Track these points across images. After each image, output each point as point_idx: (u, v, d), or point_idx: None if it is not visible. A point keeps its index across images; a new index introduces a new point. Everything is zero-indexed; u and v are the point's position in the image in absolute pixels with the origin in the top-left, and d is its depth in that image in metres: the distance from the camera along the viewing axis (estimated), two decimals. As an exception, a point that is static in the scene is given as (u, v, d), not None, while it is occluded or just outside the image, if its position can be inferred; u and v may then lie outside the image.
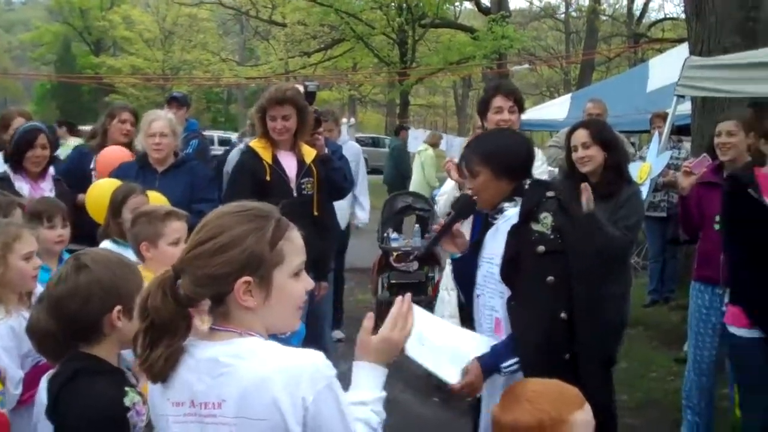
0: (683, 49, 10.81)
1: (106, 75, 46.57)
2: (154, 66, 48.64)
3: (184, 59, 49.89)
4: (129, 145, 6.71)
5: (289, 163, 5.69)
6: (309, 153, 5.80)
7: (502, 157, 3.58)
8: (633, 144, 12.46)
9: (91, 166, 6.56)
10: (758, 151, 4.76)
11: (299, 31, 35.96)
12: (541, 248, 3.36)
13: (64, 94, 51.78)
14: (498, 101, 5.06)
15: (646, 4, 43.52)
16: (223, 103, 58.09)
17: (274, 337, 2.29)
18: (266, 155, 5.63)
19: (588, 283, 3.38)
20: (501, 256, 3.47)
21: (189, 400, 2.18)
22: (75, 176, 6.46)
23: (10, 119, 7.10)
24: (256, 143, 5.73)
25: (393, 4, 30.13)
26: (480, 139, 3.90)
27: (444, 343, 3.46)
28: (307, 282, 2.31)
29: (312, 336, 5.10)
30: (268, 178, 5.57)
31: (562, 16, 48.55)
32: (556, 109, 15.17)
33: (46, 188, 6.01)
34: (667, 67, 11.97)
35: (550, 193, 3.50)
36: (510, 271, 3.42)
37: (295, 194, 5.62)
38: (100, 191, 5.41)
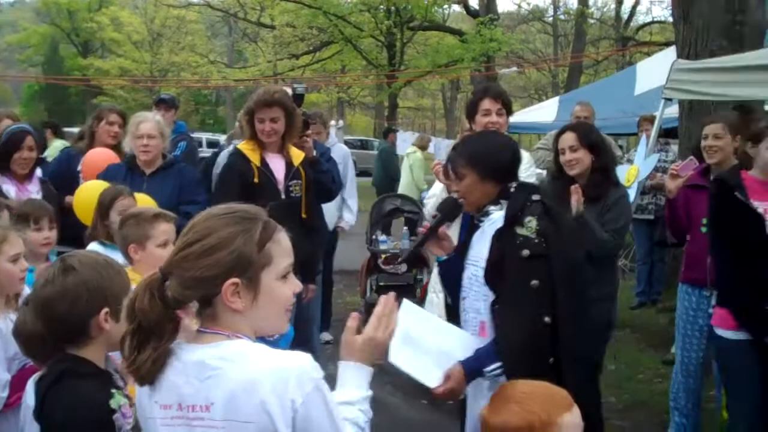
0: (671, 53, 10.86)
1: (94, 77, 46.46)
2: (143, 68, 48.54)
3: (172, 61, 49.78)
4: (117, 147, 6.69)
5: (278, 166, 5.69)
6: (297, 155, 5.80)
7: (488, 159, 3.57)
8: (621, 147, 12.51)
9: (79, 168, 6.54)
10: (745, 153, 4.79)
11: (288, 34, 35.95)
12: (526, 252, 3.36)
13: (52, 95, 51.62)
14: (486, 104, 5.08)
15: (633, 8, 43.67)
16: (212, 105, 57.97)
17: (262, 339, 2.29)
18: (254, 157, 5.63)
19: (572, 287, 3.38)
20: (486, 260, 3.48)
21: (176, 403, 2.17)
22: (62, 178, 6.44)
23: (-3, 121, 7.07)
24: (244, 145, 5.73)
25: (381, 6, 30.15)
26: (466, 141, 3.90)
27: (431, 343, 3.47)
28: (294, 284, 2.31)
29: (300, 338, 5.10)
30: (256, 180, 5.57)
31: (551, 19, 48.62)
32: (544, 112, 15.18)
33: (33, 190, 5.99)
34: (654, 71, 12.00)
35: (535, 197, 3.49)
36: (494, 274, 3.43)
37: (283, 196, 5.62)
38: (87, 193, 5.39)
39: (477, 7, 32.80)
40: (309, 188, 5.80)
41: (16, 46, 60.19)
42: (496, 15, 31.48)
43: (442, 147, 17.91)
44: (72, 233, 5.10)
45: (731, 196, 4.58)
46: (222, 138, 15.69)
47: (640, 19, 44.97)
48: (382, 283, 8.75)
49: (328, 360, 6.96)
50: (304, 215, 5.73)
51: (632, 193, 6.67)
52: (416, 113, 62.94)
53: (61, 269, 2.69)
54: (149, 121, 6.12)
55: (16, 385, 3.24)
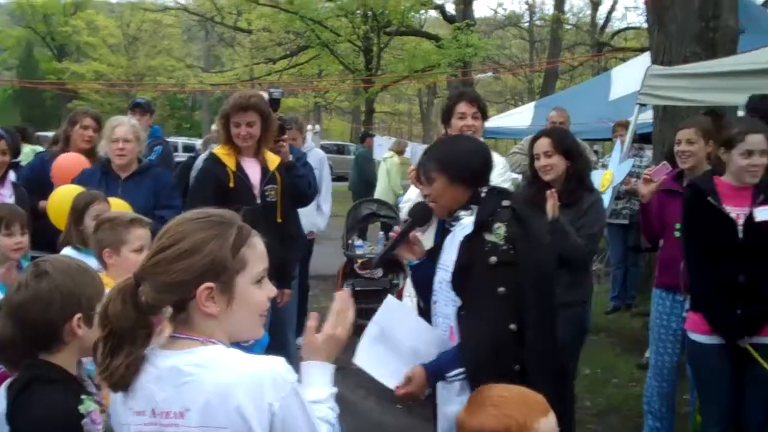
0: (645, 58, 10.94)
1: (70, 81, 46.17)
2: (118, 72, 48.28)
3: (148, 65, 49.62)
4: (91, 151, 6.65)
5: (253, 170, 5.67)
6: (273, 160, 5.79)
7: (458, 163, 3.54)
8: (596, 152, 12.58)
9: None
10: (718, 159, 4.82)
11: (264, 38, 35.93)
12: (494, 259, 3.33)
13: (27, 99, 51.17)
14: (461, 107, 5.10)
15: (609, 14, 44.02)
16: (188, 110, 57.76)
17: (236, 345, 2.29)
18: (230, 162, 5.61)
19: (539, 295, 3.36)
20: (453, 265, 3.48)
21: (150, 409, 2.17)
22: (36, 182, 6.40)
23: (-30, 125, 7.01)
24: (219, 150, 5.71)
25: (358, 11, 30.19)
26: (437, 145, 3.89)
27: (405, 342, 3.47)
28: (269, 289, 2.31)
29: (276, 343, 5.09)
30: (231, 184, 5.55)
31: (527, 24, 48.84)
32: (520, 117, 15.24)
33: (6, 194, 5.95)
34: (629, 76, 12.09)
35: (505, 202, 3.46)
36: (461, 280, 3.41)
37: (258, 201, 5.60)
38: (62, 198, 5.36)
39: (453, 13, 32.99)
40: (285, 193, 5.78)
41: (-10, 50, 59.77)
42: (473, 20, 31.63)
43: (418, 152, 17.89)
44: (46, 238, 5.07)
45: (704, 201, 4.62)
46: (198, 142, 15.65)
47: (616, 25, 45.28)
48: (358, 288, 8.73)
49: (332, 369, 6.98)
50: (279, 220, 5.71)
51: (607, 198, 6.72)
52: (393, 118, 63.06)
53: (34, 274, 2.68)
54: (125, 125, 6.09)
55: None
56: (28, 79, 46.96)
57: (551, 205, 4.87)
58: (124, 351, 2.15)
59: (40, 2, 47.16)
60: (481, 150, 3.72)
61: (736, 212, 4.55)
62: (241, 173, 5.61)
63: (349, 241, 9.19)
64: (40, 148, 10.04)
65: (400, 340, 3.47)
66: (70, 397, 2.56)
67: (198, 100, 54.25)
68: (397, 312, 3.59)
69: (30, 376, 2.58)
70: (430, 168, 3.59)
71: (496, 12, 48.63)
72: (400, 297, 7.38)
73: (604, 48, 38.74)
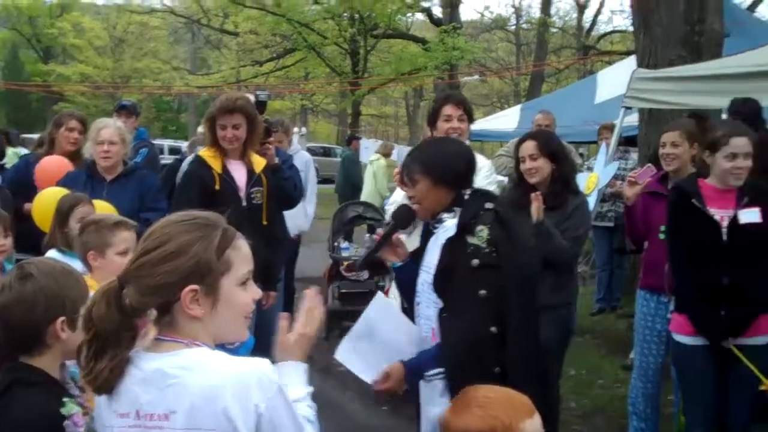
0: (631, 62, 10.99)
1: (55, 83, 45.98)
2: (104, 74, 48.11)
3: (134, 67, 49.45)
4: (77, 153, 6.63)
5: (239, 173, 5.66)
6: (259, 162, 5.78)
7: (441, 165, 3.54)
8: (581, 155, 12.60)
9: (38, 175, 6.48)
10: (702, 161, 4.85)
11: (251, 40, 35.94)
12: (476, 262, 3.32)
13: (13, 101, 50.95)
14: (447, 110, 5.12)
15: (595, 17, 44.24)
16: (174, 112, 57.61)
17: (221, 347, 2.29)
18: (216, 164, 5.60)
19: (521, 298, 3.35)
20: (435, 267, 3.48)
21: (134, 412, 2.16)
22: (21, 185, 6.38)
23: (-45, 127, 6.99)
24: (205, 152, 5.70)
25: (345, 14, 30.19)
26: (421, 147, 3.88)
27: (389, 339, 3.48)
28: (254, 291, 2.31)
29: (261, 346, 5.07)
30: (217, 187, 5.54)
31: (513, 28, 48.93)
32: (506, 119, 15.30)
33: (-11, 197, 5.93)
34: (614, 79, 12.14)
35: (488, 205, 3.46)
36: (442, 282, 3.41)
37: (244, 203, 5.60)
38: (46, 200, 5.34)
39: (440, 16, 33.08)
40: (270, 195, 5.78)
41: (-25, 52, 59.48)
42: (459, 24, 31.73)
43: (405, 154, 17.95)
44: (31, 241, 5.06)
45: (689, 203, 4.64)
46: (184, 145, 15.62)
47: (602, 28, 45.52)
48: (344, 290, 8.74)
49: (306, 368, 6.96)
50: (265, 222, 5.71)
51: (592, 201, 6.74)
52: (379, 121, 63.02)
53: (18, 276, 2.67)
54: (110, 127, 6.07)
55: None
56: (13, 81, 46.71)
57: (536, 207, 4.88)
58: (109, 354, 2.15)
59: (25, 4, 46.85)
60: (465, 152, 3.72)
61: (721, 214, 4.58)
62: (226, 176, 5.60)
63: (335, 244, 9.19)
64: (24, 151, 10.01)
65: (383, 336, 3.48)
66: (52, 400, 2.55)
67: (184, 103, 54.15)
68: (384, 309, 3.60)
69: (11, 380, 2.56)
70: (413, 170, 3.59)
71: (482, 15, 48.85)
72: (386, 299, 7.39)
73: (590, 51, 38.89)
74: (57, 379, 2.67)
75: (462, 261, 3.35)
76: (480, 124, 14.62)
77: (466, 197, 3.53)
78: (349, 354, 3.50)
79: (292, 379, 2.49)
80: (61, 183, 5.82)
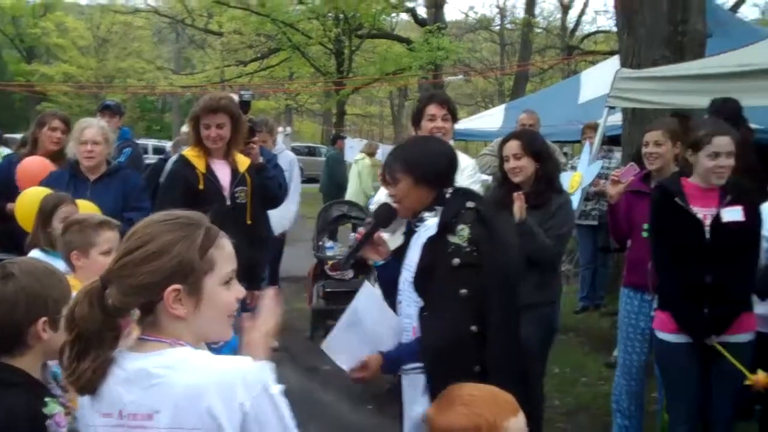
0: (614, 62, 11.02)
1: (39, 83, 45.75)
2: (88, 74, 47.89)
3: (118, 67, 49.26)
4: (60, 153, 6.61)
5: (223, 172, 5.65)
6: (243, 162, 5.78)
7: (423, 164, 3.54)
8: (565, 154, 12.63)
9: (21, 175, 6.46)
10: (685, 160, 4.87)
11: (235, 40, 35.81)
12: (456, 261, 3.33)
13: (-5, 101, 50.76)
14: (432, 109, 5.14)
15: (579, 18, 44.35)
16: (158, 112, 57.43)
17: (206, 346, 2.29)
18: (199, 164, 5.59)
19: (502, 297, 3.36)
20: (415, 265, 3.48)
21: (117, 411, 2.15)
22: (4, 185, 6.36)
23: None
24: (189, 152, 5.69)
25: (330, 14, 30.18)
26: (403, 146, 3.88)
27: (370, 328, 3.48)
28: (238, 290, 2.30)
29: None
30: (201, 186, 5.53)
31: (497, 28, 49.01)
32: (491, 119, 15.31)
33: (-28, 197, 5.90)
34: (598, 79, 12.19)
35: (469, 204, 3.46)
36: (423, 281, 3.41)
37: (228, 203, 5.59)
38: (29, 200, 5.32)
39: (425, 16, 33.12)
40: (254, 195, 5.77)
41: (-42, 51, 59.09)
42: (444, 24, 31.77)
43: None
44: (14, 241, 5.04)
45: (672, 202, 4.67)
46: (168, 144, 15.59)
47: (586, 28, 45.63)
48: (328, 290, 8.73)
49: (275, 366, 6.96)
50: (249, 222, 5.70)
51: (576, 200, 6.76)
52: (364, 120, 63.07)
53: (0, 276, 2.66)
54: (94, 127, 6.06)
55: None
56: (-4, 81, 46.53)
57: (518, 207, 4.91)
58: (91, 354, 2.14)
59: (8, 4, 46.59)
60: (447, 151, 3.73)
61: (703, 213, 4.60)
62: (210, 175, 5.59)
63: (320, 243, 9.18)
64: (7, 151, 9.96)
65: (368, 327, 3.48)
66: (33, 400, 2.53)
67: (168, 102, 53.96)
68: (370, 298, 3.59)
69: (-9, 380, 2.55)
70: (395, 169, 3.59)
71: (467, 15, 49.05)
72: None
73: (574, 51, 38.98)
74: (38, 380, 2.66)
75: (443, 260, 3.36)
76: (464, 124, 14.66)
77: (448, 196, 3.53)
78: (335, 344, 3.50)
79: None
80: (45, 183, 5.80)
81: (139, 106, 53.10)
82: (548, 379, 6.00)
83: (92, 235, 3.94)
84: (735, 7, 30.08)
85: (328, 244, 9.19)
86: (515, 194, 4.93)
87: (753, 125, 7.10)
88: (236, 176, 5.68)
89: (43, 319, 2.59)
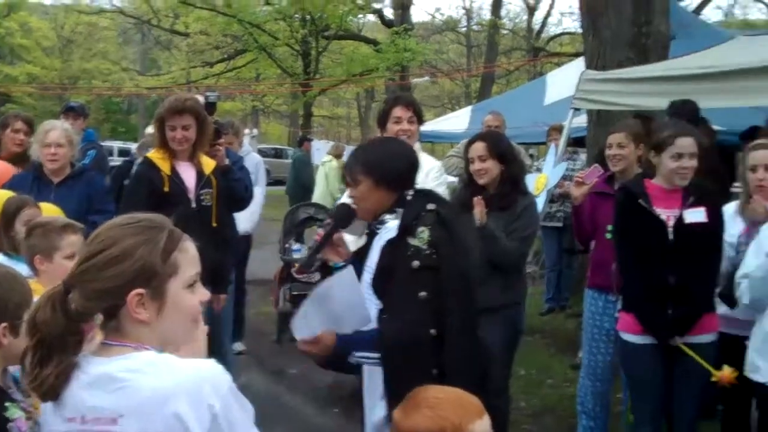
0: (580, 64, 11.08)
1: (2, 84, 45.25)
2: (52, 75, 47.48)
3: (83, 68, 48.92)
4: (23, 155, 6.55)
5: (188, 174, 5.62)
6: (208, 164, 5.75)
7: (383, 166, 3.52)
8: (531, 156, 12.73)
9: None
10: (648, 162, 4.91)
11: (201, 41, 35.71)
12: (416, 263, 3.31)
13: (-42, 103, 50.17)
14: (397, 111, 5.14)
15: (545, 19, 44.61)
16: (123, 114, 57.05)
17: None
18: (164, 166, 5.56)
19: (462, 300, 3.35)
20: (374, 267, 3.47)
21: (80, 416, 2.13)
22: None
23: None
24: (154, 154, 5.66)
25: (297, 15, 30.13)
26: (364, 147, 3.89)
27: (336, 310, 3.41)
28: (202, 293, 2.29)
29: (212, 348, 5.05)
30: (166, 188, 5.50)
31: (464, 29, 49.16)
32: (457, 120, 15.37)
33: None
34: (564, 81, 12.26)
35: (430, 206, 3.44)
36: (381, 283, 3.40)
37: (193, 205, 5.57)
38: (-9, 203, 5.26)
39: (392, 18, 33.21)
40: (220, 197, 5.75)
41: None
42: (411, 25, 31.87)
43: (354, 155, 17.92)
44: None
45: (635, 203, 4.70)
46: (133, 146, 15.50)
47: (551, 30, 45.90)
48: (295, 292, 8.68)
49: (241, 370, 6.94)
50: (214, 224, 5.68)
51: (541, 202, 6.81)
52: (331, 122, 62.95)
53: (-40, 281, 2.63)
54: (57, 130, 6.02)
55: None
56: (-42, 82, 45.98)
57: (478, 211, 4.92)
58: (54, 360, 2.11)
59: (-29, 4, 46.24)
60: (407, 153, 3.71)
61: (667, 214, 4.64)
62: (176, 177, 5.56)
63: (286, 246, 9.15)
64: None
65: (335, 306, 3.42)
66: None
67: (134, 104, 53.66)
68: (349, 282, 3.53)
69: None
70: (355, 170, 3.57)
71: (433, 17, 48.88)
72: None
73: (539, 53, 39.23)
74: (-1, 385, 2.63)
75: (402, 262, 3.34)
76: (431, 125, 14.71)
77: (409, 198, 3.52)
78: (300, 319, 3.47)
79: None
80: (7, 185, 5.73)
81: (105, 108, 52.69)
82: (514, 380, 6.02)
83: (56, 238, 3.90)
84: (698, 10, 30.42)
85: (295, 246, 9.16)
86: (475, 199, 4.96)
87: (716, 127, 7.19)
88: (201, 178, 5.66)
89: (3, 324, 2.57)
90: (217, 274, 5.51)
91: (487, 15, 43.38)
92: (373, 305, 3.47)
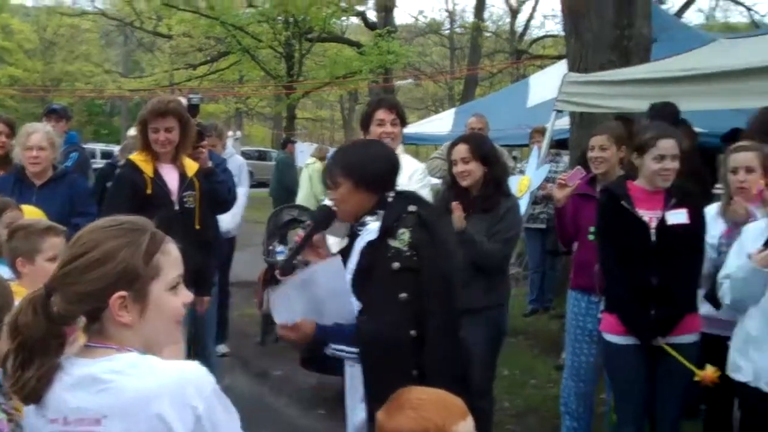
0: (562, 66, 11.12)
1: (-17, 86, 45.08)
2: (34, 77, 47.22)
3: (65, 70, 48.66)
4: (5, 158, 6.53)
5: (171, 177, 5.61)
6: (191, 166, 5.74)
7: (362, 168, 3.53)
8: (514, 158, 12.76)
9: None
10: (630, 163, 4.94)
11: (185, 43, 35.58)
12: (396, 265, 3.32)
13: (-61, 105, 49.85)
14: (380, 114, 5.15)
15: (527, 22, 44.64)
16: (106, 116, 56.79)
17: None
18: (147, 168, 5.54)
19: (442, 302, 3.36)
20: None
21: (62, 417, 2.13)
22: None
23: None
24: (136, 156, 5.64)
25: (280, 17, 30.07)
26: (343, 150, 3.88)
27: (320, 299, 3.42)
28: (185, 295, 2.28)
29: (195, 350, 5.06)
30: (149, 191, 5.48)
31: (447, 32, 49.18)
32: (441, 123, 15.38)
33: None
34: (546, 83, 12.28)
35: (411, 208, 3.45)
36: (361, 284, 3.40)
37: (177, 207, 5.55)
38: (-27, 206, 5.24)
39: (375, 20, 33.14)
40: (203, 199, 5.74)
41: None
42: (394, 28, 31.82)
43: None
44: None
45: (618, 205, 4.73)
46: (116, 149, 15.45)
47: (534, 33, 45.91)
48: (279, 295, 8.67)
49: (225, 372, 6.93)
50: (197, 226, 5.66)
51: (524, 204, 6.82)
52: (315, 124, 62.85)
53: (-59, 284, 2.62)
54: (39, 132, 6.01)
55: None
56: (-61, 84, 45.70)
57: (457, 217, 4.93)
58: (36, 363, 2.11)
59: (-48, 6, 46.00)
60: (387, 155, 3.71)
61: (649, 216, 4.67)
62: (158, 179, 5.54)
63: (270, 248, 9.12)
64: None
65: (318, 294, 3.41)
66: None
67: (117, 106, 53.38)
68: (335, 271, 3.52)
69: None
70: (335, 173, 3.57)
71: (417, 19, 48.87)
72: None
73: (522, 56, 39.29)
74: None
75: (382, 264, 3.35)
76: (414, 128, 14.72)
77: (390, 200, 3.52)
78: (280, 298, 3.46)
79: None
80: (-12, 188, 5.72)
81: (87, 110, 52.43)
82: (498, 381, 6.04)
83: (38, 241, 3.89)
84: (680, 13, 30.55)
85: (279, 248, 9.12)
86: (453, 204, 4.97)
87: (697, 129, 7.22)
88: (184, 180, 5.64)
89: (-16, 326, 2.56)
90: (201, 276, 5.50)
91: (470, 17, 43.42)
92: (354, 305, 3.47)
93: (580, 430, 5.78)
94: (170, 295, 2.22)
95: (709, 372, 4.49)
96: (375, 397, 3.14)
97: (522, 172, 8.39)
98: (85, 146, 11.87)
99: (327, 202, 5.42)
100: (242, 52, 30.34)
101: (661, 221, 4.63)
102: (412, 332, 3.31)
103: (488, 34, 44.25)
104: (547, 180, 8.10)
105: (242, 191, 8.46)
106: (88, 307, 2.14)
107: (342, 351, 3.41)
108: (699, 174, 6.15)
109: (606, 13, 9.02)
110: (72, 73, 48.40)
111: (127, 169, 5.67)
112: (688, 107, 6.45)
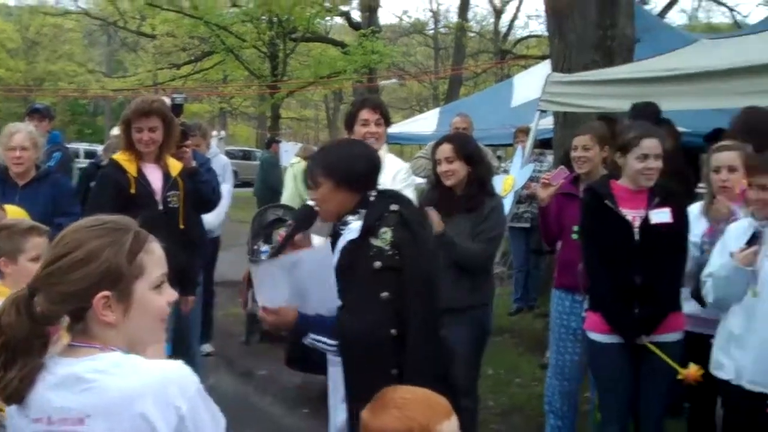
0: (546, 66, 11.15)
1: (-34, 86, 44.83)
2: (17, 77, 46.99)
3: (48, 70, 48.44)
4: (-13, 158, 6.50)
5: (155, 176, 5.59)
6: (175, 166, 5.72)
7: (343, 168, 3.52)
8: (499, 157, 12.76)
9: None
10: (614, 163, 4.96)
11: (168, 43, 35.47)
12: (378, 264, 3.32)
13: None
14: (364, 114, 5.15)
15: (511, 22, 44.78)
16: (90, 116, 56.57)
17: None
18: (131, 168, 5.52)
19: (424, 301, 3.36)
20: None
21: (46, 417, 2.12)
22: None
23: None
24: (120, 156, 5.62)
25: (264, 17, 30.02)
26: (324, 150, 3.89)
27: (306, 286, 3.40)
28: (169, 294, 2.28)
29: (180, 350, 5.05)
30: (133, 191, 5.46)
31: (431, 32, 49.26)
32: (425, 122, 15.41)
33: None
34: (530, 83, 12.31)
35: (393, 207, 3.45)
36: (342, 282, 3.39)
37: (160, 207, 5.53)
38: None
39: (359, 20, 33.15)
40: (187, 199, 5.73)
41: None
42: (378, 27, 31.88)
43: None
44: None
45: (601, 204, 4.75)
46: (100, 148, 15.39)
47: (518, 33, 46.06)
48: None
49: (210, 371, 6.92)
50: (182, 226, 5.65)
51: (508, 203, 6.83)
52: (299, 124, 62.81)
53: None
54: (22, 132, 5.99)
55: None
56: None
57: (435, 221, 4.94)
58: (18, 363, 2.10)
59: (-67, 5, 45.70)
60: (368, 154, 3.71)
61: (633, 215, 4.68)
62: (142, 179, 5.53)
63: (255, 247, 9.11)
64: None
65: (303, 279, 3.40)
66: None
67: (100, 106, 53.15)
68: (323, 259, 3.50)
69: None
70: (316, 173, 3.57)
71: (401, 19, 48.97)
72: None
73: (506, 56, 39.42)
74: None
75: (364, 263, 3.35)
76: (399, 127, 14.74)
77: (372, 199, 3.52)
78: (265, 276, 3.45)
79: None
80: (-29, 189, 5.70)
81: (70, 110, 52.21)
82: (482, 380, 6.05)
83: (21, 241, 3.87)
84: (663, 13, 30.70)
85: (264, 248, 9.12)
86: (428, 209, 4.96)
87: (680, 129, 7.25)
88: (168, 180, 5.63)
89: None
90: (185, 276, 5.48)
91: (454, 18, 43.51)
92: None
93: (565, 428, 5.79)
94: (154, 294, 2.22)
95: (693, 370, 4.51)
96: (355, 396, 3.15)
97: (506, 171, 8.41)
98: (68, 146, 11.83)
99: (310, 201, 5.45)
100: (226, 51, 30.28)
101: (645, 220, 4.65)
102: (393, 331, 3.31)
103: (472, 34, 44.37)
104: (531, 179, 8.12)
105: (226, 189, 8.45)
106: (72, 307, 2.13)
107: (322, 342, 3.39)
108: (682, 173, 6.18)
109: (589, 13, 9.05)
110: (55, 72, 48.19)
111: (110, 169, 5.65)
112: (671, 107, 6.47)
